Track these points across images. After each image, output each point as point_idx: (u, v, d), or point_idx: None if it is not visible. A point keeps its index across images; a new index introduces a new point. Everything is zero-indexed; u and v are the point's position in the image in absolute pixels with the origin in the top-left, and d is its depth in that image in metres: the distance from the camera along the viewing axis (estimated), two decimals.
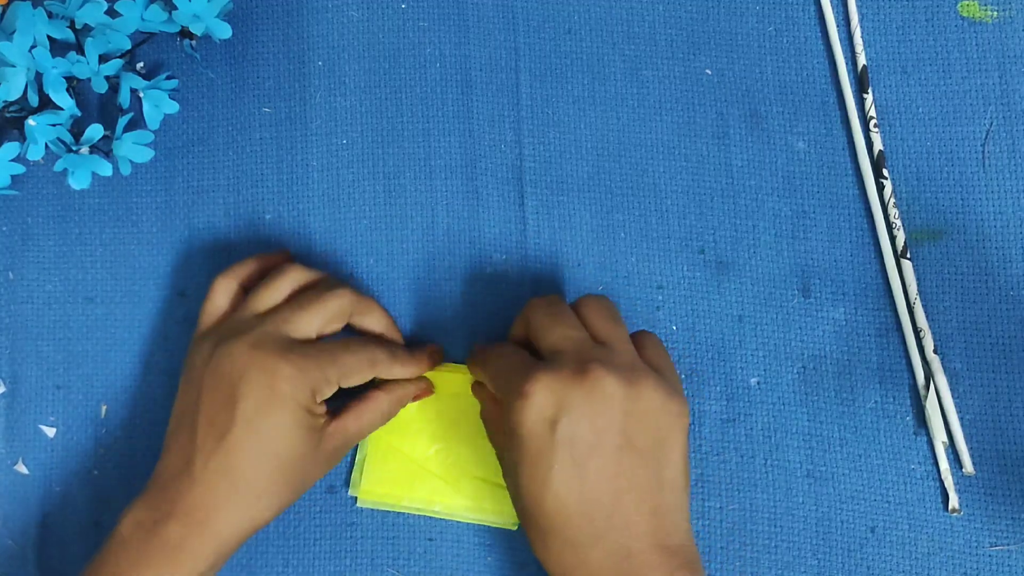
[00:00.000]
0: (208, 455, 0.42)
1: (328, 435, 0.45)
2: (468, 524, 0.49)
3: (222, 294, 0.48)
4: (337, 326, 0.47)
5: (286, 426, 0.43)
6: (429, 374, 0.49)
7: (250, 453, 0.42)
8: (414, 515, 0.49)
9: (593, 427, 0.40)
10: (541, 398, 0.40)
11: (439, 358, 0.50)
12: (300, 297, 0.46)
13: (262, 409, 0.42)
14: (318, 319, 0.45)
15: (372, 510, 0.49)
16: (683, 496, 0.42)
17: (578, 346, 0.42)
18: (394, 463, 0.49)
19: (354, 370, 0.45)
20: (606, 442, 0.40)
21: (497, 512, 0.49)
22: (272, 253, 0.51)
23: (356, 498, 0.49)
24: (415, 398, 0.49)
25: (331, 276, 0.50)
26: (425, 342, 0.50)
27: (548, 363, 0.42)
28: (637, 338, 0.45)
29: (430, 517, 0.49)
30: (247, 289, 0.48)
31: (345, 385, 0.45)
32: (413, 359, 0.48)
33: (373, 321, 0.48)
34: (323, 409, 0.45)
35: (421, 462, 0.49)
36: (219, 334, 0.45)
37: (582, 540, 0.40)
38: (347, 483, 0.50)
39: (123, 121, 0.51)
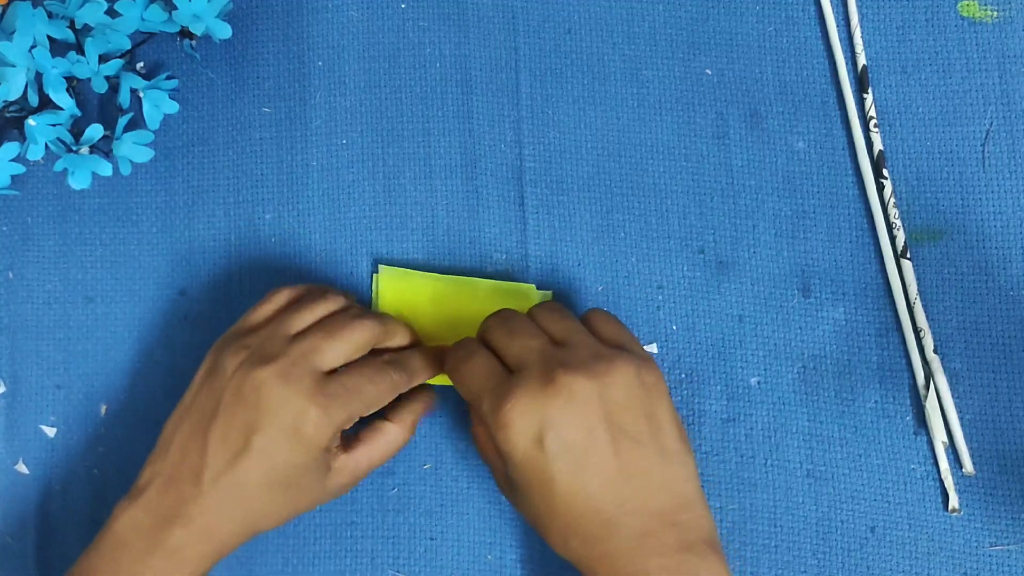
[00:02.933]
0: (218, 472, 0.42)
1: (338, 470, 0.45)
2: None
3: (275, 304, 0.47)
4: (362, 353, 0.46)
5: (301, 464, 0.43)
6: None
7: (261, 479, 0.42)
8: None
9: (580, 430, 0.41)
10: (522, 422, 0.41)
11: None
12: (329, 324, 0.45)
13: (281, 446, 0.42)
14: (346, 349, 0.44)
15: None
16: (689, 459, 0.43)
17: (540, 355, 0.42)
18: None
19: (377, 401, 0.45)
20: (597, 439, 0.41)
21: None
22: (339, 292, 0.49)
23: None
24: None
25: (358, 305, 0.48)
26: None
27: (516, 380, 0.41)
28: (588, 321, 0.45)
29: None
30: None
31: (366, 414, 0.45)
32: (428, 367, 0.48)
33: (398, 341, 0.48)
34: (338, 442, 0.45)
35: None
36: (250, 349, 0.44)
37: (599, 533, 0.41)
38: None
39: (123, 121, 0.51)
